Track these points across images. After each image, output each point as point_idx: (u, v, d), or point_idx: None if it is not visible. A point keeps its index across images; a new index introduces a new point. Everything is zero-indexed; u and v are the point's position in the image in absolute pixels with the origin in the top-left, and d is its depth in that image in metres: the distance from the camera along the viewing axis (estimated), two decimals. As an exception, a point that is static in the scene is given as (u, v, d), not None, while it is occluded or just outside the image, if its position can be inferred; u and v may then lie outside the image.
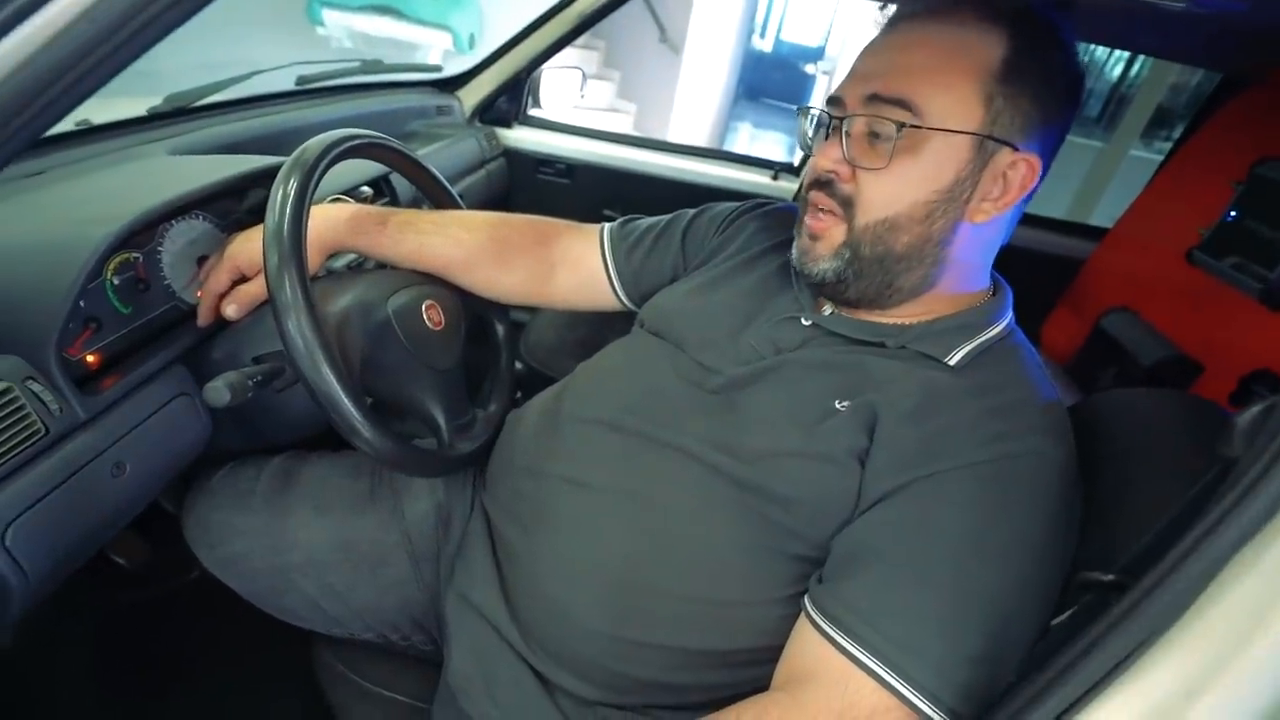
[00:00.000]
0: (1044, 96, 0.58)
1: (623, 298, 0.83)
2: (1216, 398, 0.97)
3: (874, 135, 0.59)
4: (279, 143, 1.06)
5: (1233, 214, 1.02)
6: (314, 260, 0.73)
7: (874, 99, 0.59)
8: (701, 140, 5.22)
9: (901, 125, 0.57)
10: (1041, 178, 0.60)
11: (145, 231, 0.66)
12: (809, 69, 5.82)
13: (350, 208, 0.79)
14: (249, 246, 0.71)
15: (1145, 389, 0.71)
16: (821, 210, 0.63)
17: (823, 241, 0.63)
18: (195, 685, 1.01)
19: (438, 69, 1.68)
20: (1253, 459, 0.35)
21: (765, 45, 7.64)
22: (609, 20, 1.53)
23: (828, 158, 0.61)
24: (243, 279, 0.71)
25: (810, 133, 0.68)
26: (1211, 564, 0.35)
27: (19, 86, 0.37)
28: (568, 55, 1.62)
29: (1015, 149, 0.58)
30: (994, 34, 0.58)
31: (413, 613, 0.76)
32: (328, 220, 0.75)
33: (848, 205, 0.61)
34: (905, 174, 0.59)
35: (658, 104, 4.99)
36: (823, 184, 0.62)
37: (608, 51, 5.02)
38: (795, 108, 0.72)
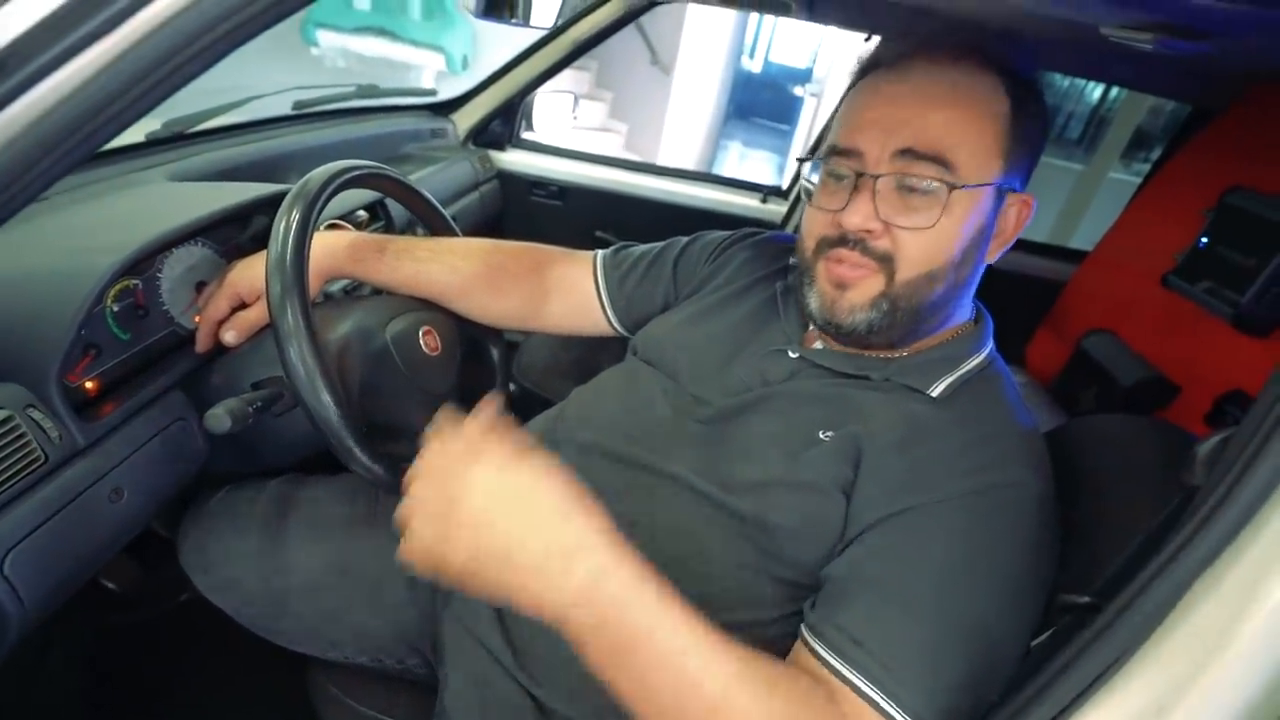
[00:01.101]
0: (1035, 140, 0.62)
1: (615, 324, 0.84)
2: (1193, 418, 0.99)
3: (909, 190, 0.58)
4: (277, 167, 1.07)
5: (1204, 240, 1.05)
6: (313, 287, 0.74)
7: (907, 154, 0.58)
8: (692, 158, 5.28)
9: (952, 186, 0.57)
10: None
11: (145, 258, 0.67)
12: (797, 90, 5.90)
13: (349, 235, 0.80)
14: (249, 274, 0.72)
15: (1120, 415, 0.73)
16: (850, 264, 0.60)
17: (855, 290, 0.61)
18: (187, 709, 1.00)
19: (432, 93, 1.71)
20: (1212, 487, 0.37)
21: (755, 66, 7.76)
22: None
23: (861, 216, 0.58)
24: (242, 305, 0.72)
25: (816, 184, 0.64)
26: (1176, 587, 0.37)
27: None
28: (560, 77, 1.65)
29: (1017, 191, 0.62)
30: (998, 85, 0.60)
31: (409, 637, 0.76)
32: (327, 248, 0.76)
33: (885, 260, 0.59)
34: (945, 228, 0.58)
35: (649, 124, 5.06)
36: (852, 242, 0.60)
37: (599, 73, 5.10)
38: (822, 154, 0.64)
